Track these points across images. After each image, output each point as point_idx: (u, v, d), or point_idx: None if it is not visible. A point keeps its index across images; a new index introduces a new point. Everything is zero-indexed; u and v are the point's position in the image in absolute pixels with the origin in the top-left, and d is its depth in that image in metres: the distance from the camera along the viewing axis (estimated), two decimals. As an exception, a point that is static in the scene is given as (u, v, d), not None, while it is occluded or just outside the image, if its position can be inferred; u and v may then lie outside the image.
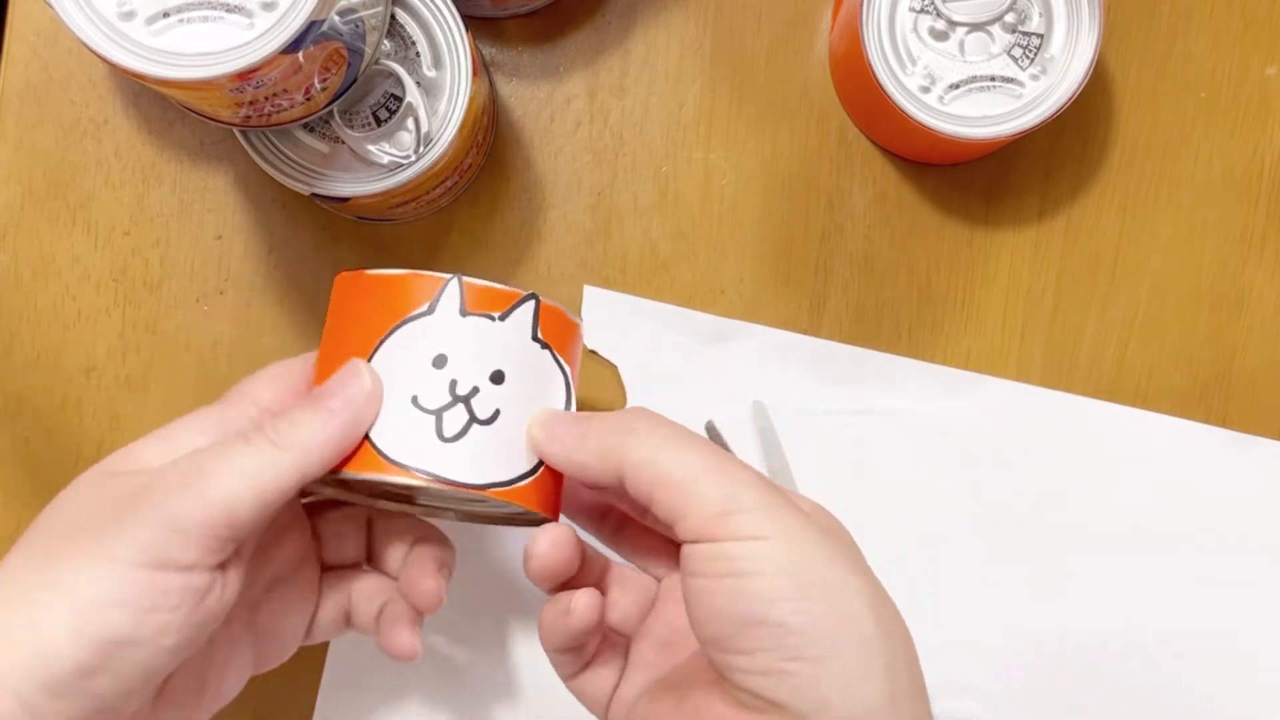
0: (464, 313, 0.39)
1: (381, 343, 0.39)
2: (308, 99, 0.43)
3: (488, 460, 0.38)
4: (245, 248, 0.53)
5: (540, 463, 0.39)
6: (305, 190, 0.46)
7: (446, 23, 0.46)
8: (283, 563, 0.43)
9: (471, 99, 0.46)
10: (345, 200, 0.46)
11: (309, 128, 0.46)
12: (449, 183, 0.50)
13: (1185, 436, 0.53)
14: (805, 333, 0.53)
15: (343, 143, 0.46)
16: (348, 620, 0.44)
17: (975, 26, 0.48)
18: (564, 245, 0.53)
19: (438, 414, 0.38)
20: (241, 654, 0.41)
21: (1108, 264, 0.53)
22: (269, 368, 0.42)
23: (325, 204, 0.49)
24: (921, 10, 0.48)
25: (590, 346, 0.52)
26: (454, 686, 0.52)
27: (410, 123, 0.46)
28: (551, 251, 0.53)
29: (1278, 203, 0.53)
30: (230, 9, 0.39)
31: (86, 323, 0.53)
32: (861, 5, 0.47)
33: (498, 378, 0.39)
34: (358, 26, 0.43)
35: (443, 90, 0.46)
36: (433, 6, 0.46)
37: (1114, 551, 0.53)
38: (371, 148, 0.46)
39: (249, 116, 0.44)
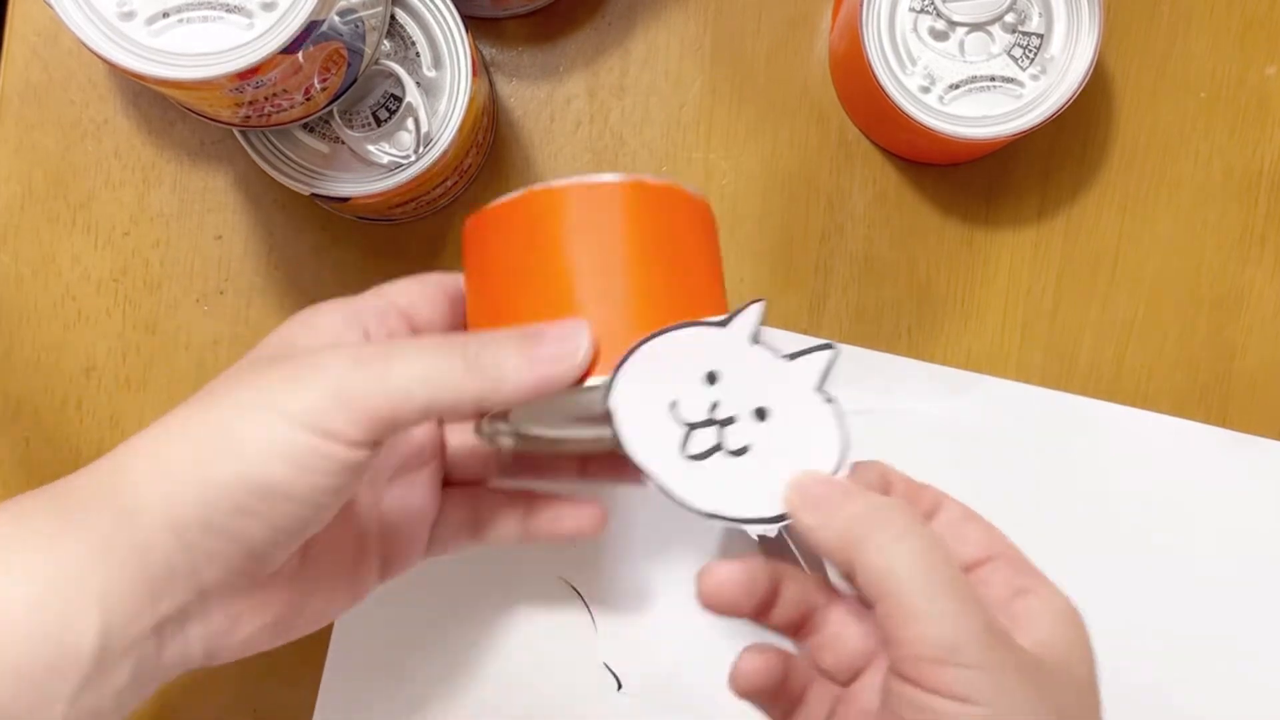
0: (754, 340, 0.38)
1: (667, 331, 0.37)
2: (308, 99, 0.43)
3: (721, 490, 0.37)
4: (245, 248, 0.53)
5: (782, 515, 0.38)
6: (305, 190, 0.46)
7: (446, 23, 0.46)
8: (409, 456, 0.43)
9: (471, 99, 0.46)
10: (345, 200, 0.46)
11: (309, 128, 0.46)
12: (449, 183, 0.50)
13: (1185, 436, 0.53)
14: (805, 333, 0.53)
15: (343, 143, 0.46)
16: (474, 532, 0.44)
17: (975, 26, 0.48)
18: (564, 245, 0.53)
19: (689, 427, 0.38)
20: (371, 547, 0.42)
21: (1108, 264, 0.53)
22: (412, 276, 0.42)
23: (325, 204, 0.49)
24: (921, 10, 0.48)
25: None
26: (454, 687, 0.52)
27: (410, 123, 0.46)
28: (551, 251, 0.53)
29: (1278, 203, 0.53)
30: (230, 9, 0.39)
31: (86, 323, 0.53)
32: (861, 5, 0.47)
33: (762, 414, 0.38)
34: (357, 27, 0.43)
35: (443, 90, 0.46)
36: (433, 6, 0.46)
37: (1113, 551, 0.53)
38: (371, 148, 0.46)
39: (249, 116, 0.44)
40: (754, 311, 0.38)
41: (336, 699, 0.52)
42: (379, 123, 0.46)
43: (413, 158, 0.45)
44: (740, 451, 0.37)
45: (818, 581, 0.40)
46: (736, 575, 0.38)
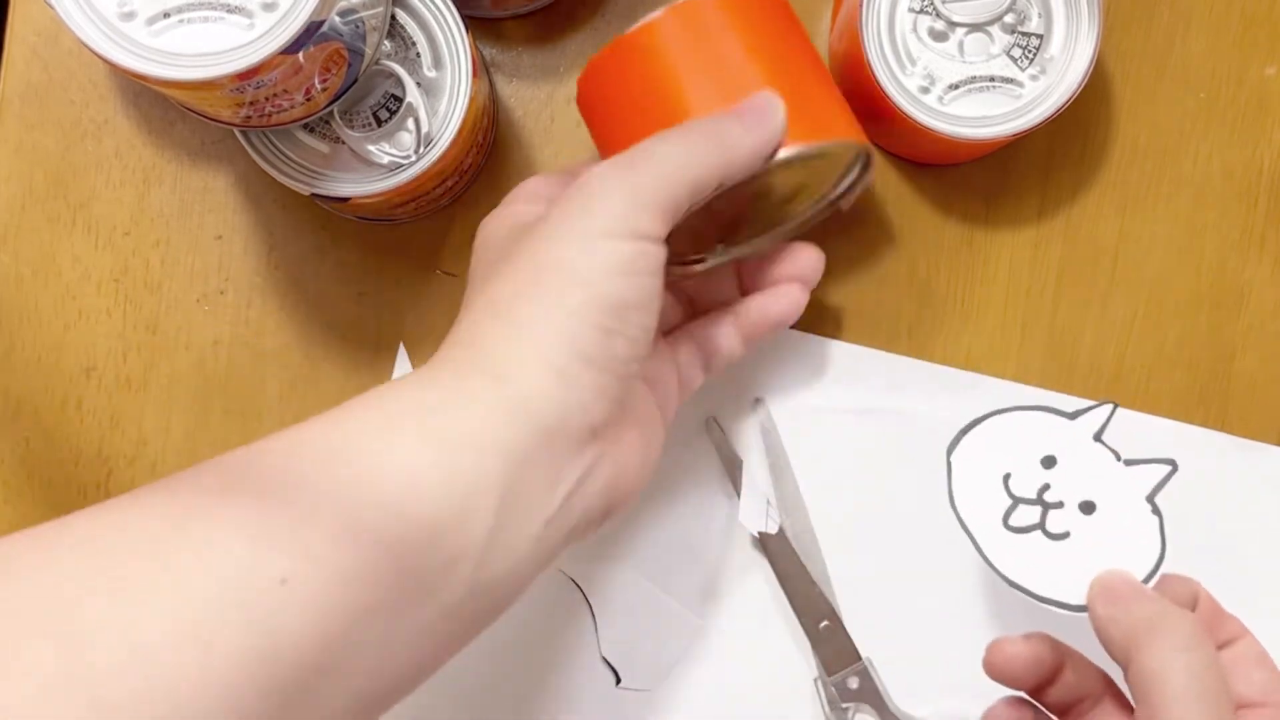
0: (1097, 438, 0.41)
1: (1020, 410, 0.41)
2: (308, 99, 0.43)
3: (1030, 565, 0.40)
4: (245, 248, 0.53)
5: (1082, 606, 0.39)
6: (305, 190, 0.46)
7: (446, 23, 0.46)
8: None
9: (471, 99, 0.46)
10: (345, 200, 0.46)
11: (309, 128, 0.46)
12: (449, 183, 0.50)
13: (1185, 440, 0.53)
14: (804, 333, 0.53)
15: (343, 143, 0.46)
16: (704, 362, 0.47)
17: (974, 27, 0.48)
18: (564, 245, 0.53)
19: (1015, 501, 0.40)
20: (652, 393, 0.43)
21: (1107, 264, 0.53)
22: (535, 178, 0.45)
23: (325, 204, 0.49)
24: (921, 11, 0.48)
25: None
26: (451, 681, 0.52)
27: (410, 123, 0.46)
28: (551, 251, 0.53)
29: (1277, 203, 0.53)
30: (230, 9, 0.39)
31: (87, 323, 0.53)
32: (861, 6, 0.47)
33: (1087, 508, 0.40)
34: (358, 27, 0.43)
35: (443, 90, 0.46)
36: (433, 7, 0.46)
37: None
38: (371, 148, 0.46)
39: (249, 117, 0.44)
40: (1103, 412, 0.41)
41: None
42: (379, 123, 0.46)
43: (413, 158, 0.45)
44: (1059, 536, 0.40)
45: (1098, 673, 0.41)
46: (1025, 653, 0.40)
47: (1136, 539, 0.40)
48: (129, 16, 0.39)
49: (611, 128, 0.44)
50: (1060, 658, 0.40)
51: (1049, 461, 0.40)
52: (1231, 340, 0.53)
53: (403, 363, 0.52)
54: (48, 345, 0.53)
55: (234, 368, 0.53)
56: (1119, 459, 0.40)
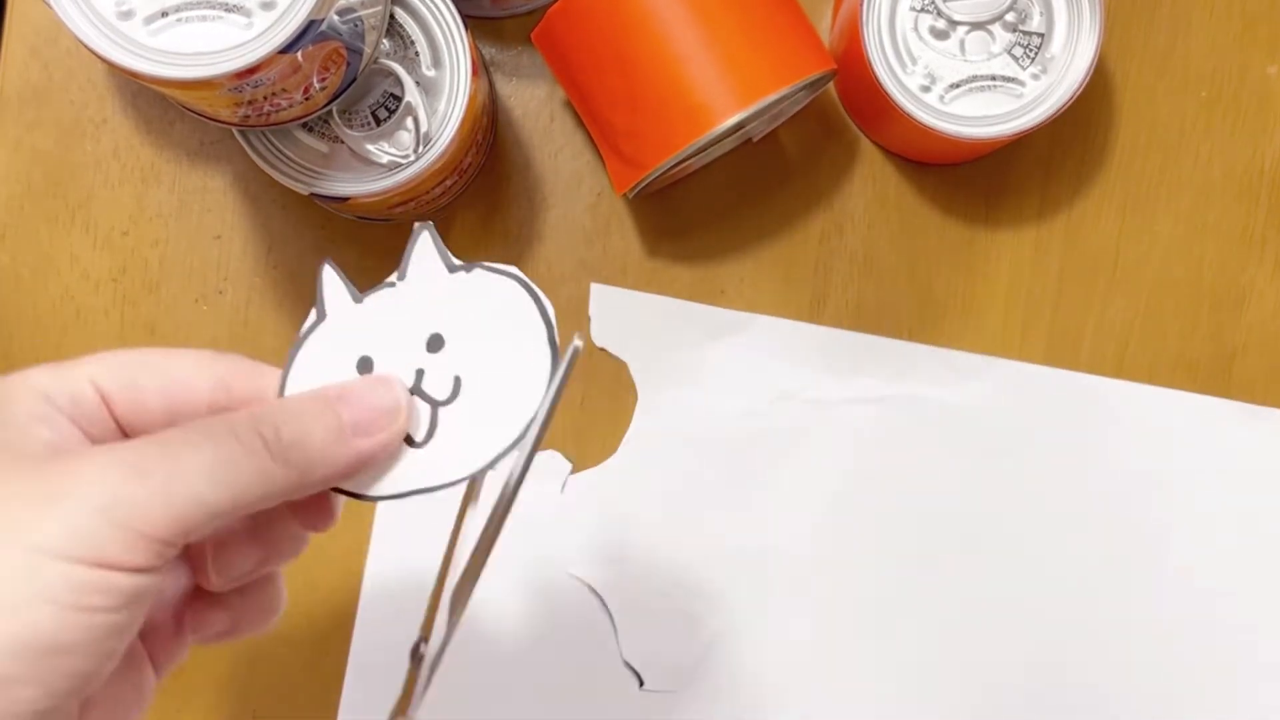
0: (357, 299, 0.33)
1: (288, 368, 0.32)
2: (307, 98, 0.43)
3: (473, 437, 0.31)
4: (244, 248, 0.53)
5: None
6: (304, 190, 0.46)
7: (446, 22, 0.46)
8: None
9: (471, 98, 0.45)
10: (345, 200, 0.46)
11: (308, 127, 0.46)
12: (448, 183, 0.50)
13: (1200, 410, 0.53)
14: (811, 324, 0.53)
15: (342, 142, 0.46)
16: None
17: (976, 26, 0.48)
18: (564, 245, 0.53)
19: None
20: (143, 661, 0.35)
21: (1108, 264, 0.53)
22: (133, 351, 0.33)
23: (324, 204, 0.49)
24: (922, 9, 0.48)
25: (599, 344, 0.52)
26: (471, 696, 0.52)
27: (410, 122, 0.46)
28: (551, 251, 0.53)
29: (1278, 202, 0.53)
30: (229, 8, 0.39)
31: (86, 323, 0.53)
32: (861, 5, 0.47)
33: (435, 344, 0.32)
34: (357, 26, 0.43)
35: (442, 90, 0.46)
36: (432, 6, 0.46)
37: (1131, 529, 0.52)
38: (371, 147, 0.46)
39: (248, 116, 0.44)
40: (324, 277, 0.32)
41: (358, 705, 0.52)
42: (378, 122, 0.46)
43: (412, 157, 0.45)
44: (456, 390, 0.32)
45: None
46: None
47: (506, 303, 0.32)
48: (127, 15, 0.39)
49: (574, 66, 0.46)
50: None
51: (366, 363, 0.32)
52: (1231, 340, 0.53)
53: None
54: (46, 345, 0.53)
55: (233, 368, 0.53)
56: (393, 284, 0.32)
